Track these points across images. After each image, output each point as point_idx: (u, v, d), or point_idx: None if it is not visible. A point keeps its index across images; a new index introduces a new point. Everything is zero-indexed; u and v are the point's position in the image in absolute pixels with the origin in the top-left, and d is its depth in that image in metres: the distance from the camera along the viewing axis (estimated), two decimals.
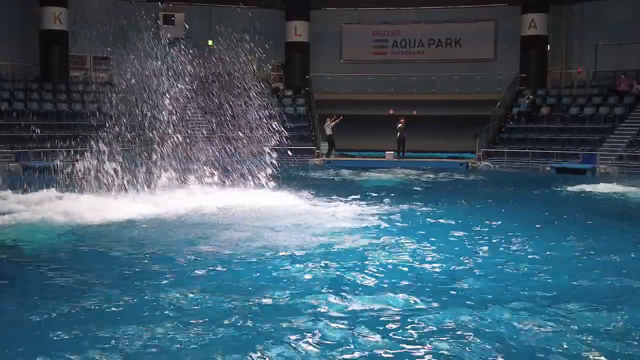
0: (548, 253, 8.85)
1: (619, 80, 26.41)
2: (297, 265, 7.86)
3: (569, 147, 24.72)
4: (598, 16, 28.03)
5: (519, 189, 17.69)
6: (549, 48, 28.86)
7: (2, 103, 25.27)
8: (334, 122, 27.33)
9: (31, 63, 27.20)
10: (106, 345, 5.17)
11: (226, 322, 5.75)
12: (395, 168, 23.98)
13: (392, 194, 15.00)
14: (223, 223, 11.06)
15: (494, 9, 30.31)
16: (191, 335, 5.42)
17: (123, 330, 5.49)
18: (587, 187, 17.23)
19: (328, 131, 27.47)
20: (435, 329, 5.61)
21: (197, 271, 7.61)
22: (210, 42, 30.26)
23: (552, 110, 27.07)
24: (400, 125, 27.01)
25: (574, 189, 17.01)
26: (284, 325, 5.66)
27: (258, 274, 7.55)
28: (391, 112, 27.31)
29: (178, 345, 5.21)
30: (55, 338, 5.34)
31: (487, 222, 11.31)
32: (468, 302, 6.37)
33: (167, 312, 6.05)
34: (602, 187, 17.00)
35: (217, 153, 15.66)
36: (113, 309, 6.14)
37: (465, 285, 7.10)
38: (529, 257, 8.62)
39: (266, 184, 14.72)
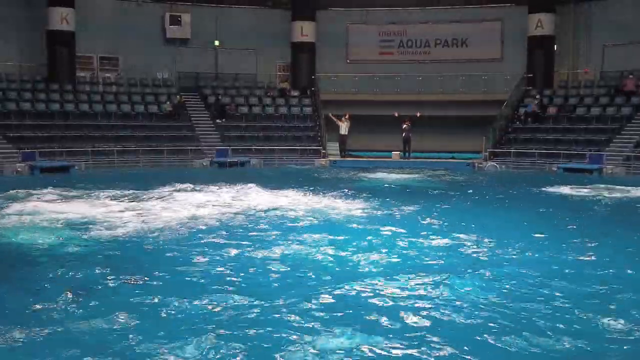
0: None
1: (626, 81, 26.30)
2: None
3: (576, 147, 24.62)
4: (605, 16, 27.89)
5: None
6: (555, 48, 28.76)
7: (9, 103, 25.36)
8: (349, 122, 27.26)
9: (38, 63, 27.27)
10: None
11: None
12: (403, 168, 23.93)
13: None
14: None
15: (500, 9, 30.20)
16: None
17: None
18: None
19: (343, 131, 27.38)
20: None
21: None
22: (216, 42, 30.38)
23: (559, 110, 26.98)
24: (405, 125, 26.98)
25: None
26: None
27: None
28: (396, 115, 27.24)
29: None
30: None
31: None
32: None
33: None
34: None
35: None
36: None
37: None
38: None
39: None
